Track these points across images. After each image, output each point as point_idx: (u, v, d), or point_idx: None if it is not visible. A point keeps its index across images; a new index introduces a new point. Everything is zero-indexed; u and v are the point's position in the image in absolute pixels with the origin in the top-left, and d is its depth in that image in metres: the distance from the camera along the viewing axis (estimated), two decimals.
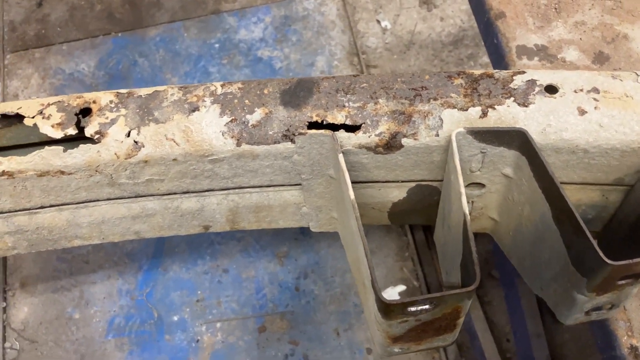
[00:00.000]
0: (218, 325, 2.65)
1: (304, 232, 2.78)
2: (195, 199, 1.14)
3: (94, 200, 1.11)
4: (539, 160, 0.90)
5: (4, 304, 2.66)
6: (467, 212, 0.88)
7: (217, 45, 3.10)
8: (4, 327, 2.63)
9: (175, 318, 2.65)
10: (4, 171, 1.00)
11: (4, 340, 2.60)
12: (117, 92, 1.04)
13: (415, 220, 1.21)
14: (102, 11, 3.22)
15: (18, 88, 3.04)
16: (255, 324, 2.65)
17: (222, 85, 1.04)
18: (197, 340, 2.62)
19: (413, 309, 0.86)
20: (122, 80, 3.03)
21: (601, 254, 0.84)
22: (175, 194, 1.11)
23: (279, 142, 1.00)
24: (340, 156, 0.93)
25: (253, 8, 3.17)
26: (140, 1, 3.22)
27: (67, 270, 2.72)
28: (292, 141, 0.99)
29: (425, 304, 0.85)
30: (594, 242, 0.86)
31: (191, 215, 1.17)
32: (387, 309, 0.85)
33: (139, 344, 2.60)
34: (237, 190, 1.12)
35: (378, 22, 3.16)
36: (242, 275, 2.72)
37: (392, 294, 2.71)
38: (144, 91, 1.05)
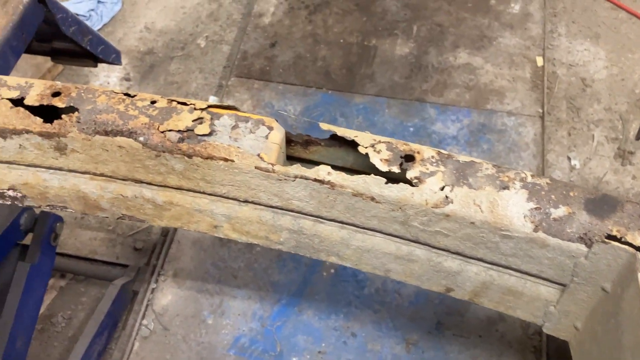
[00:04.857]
0: None
1: (439, 328, 2.79)
2: (459, 262, 1.24)
3: (377, 231, 1.25)
4: None
5: (154, 286, 2.89)
6: None
7: (411, 129, 3.31)
8: (147, 306, 2.84)
9: (294, 359, 2.72)
10: (329, 181, 1.17)
11: (143, 317, 2.81)
12: (439, 151, 1.20)
13: None
14: (322, 67, 3.58)
15: None
16: None
17: (531, 176, 1.16)
18: None
19: None
20: (318, 131, 3.30)
21: None
22: (448, 251, 1.22)
23: (573, 242, 1.08)
24: (639, 275, 0.99)
25: (455, 107, 3.37)
26: (357, 70, 3.54)
27: (216, 277, 2.92)
28: (588, 245, 1.07)
29: None
30: None
31: (445, 274, 1.27)
32: None
33: None
34: (501, 268, 1.21)
35: (569, 159, 3.22)
36: (368, 345, 2.76)
37: None
38: (461, 157, 1.19)
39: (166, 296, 2.88)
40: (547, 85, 3.44)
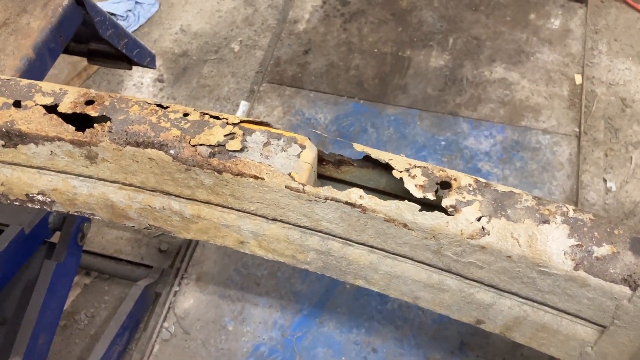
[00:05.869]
0: None
1: (462, 349, 2.72)
2: (492, 294, 1.19)
3: (408, 258, 1.21)
4: None
5: (177, 289, 2.89)
6: None
7: (443, 143, 3.25)
8: (169, 309, 2.84)
9: None
10: (361, 205, 1.14)
11: (165, 319, 2.81)
12: (477, 179, 1.15)
13: None
14: (354, 77, 3.54)
15: (262, 113, 3.41)
16: None
17: (574, 210, 1.11)
18: None
19: None
20: (347, 142, 3.27)
21: None
22: (481, 283, 1.17)
23: (617, 283, 1.03)
24: None
25: (489, 123, 3.30)
26: (390, 80, 3.50)
27: (238, 283, 2.90)
28: (632, 288, 1.01)
29: None
30: None
31: (476, 306, 1.23)
32: None
33: None
34: (537, 304, 1.16)
35: (604, 180, 3.12)
36: None
37: None
38: (500, 187, 1.14)
39: (188, 300, 2.87)
40: (585, 104, 3.35)
